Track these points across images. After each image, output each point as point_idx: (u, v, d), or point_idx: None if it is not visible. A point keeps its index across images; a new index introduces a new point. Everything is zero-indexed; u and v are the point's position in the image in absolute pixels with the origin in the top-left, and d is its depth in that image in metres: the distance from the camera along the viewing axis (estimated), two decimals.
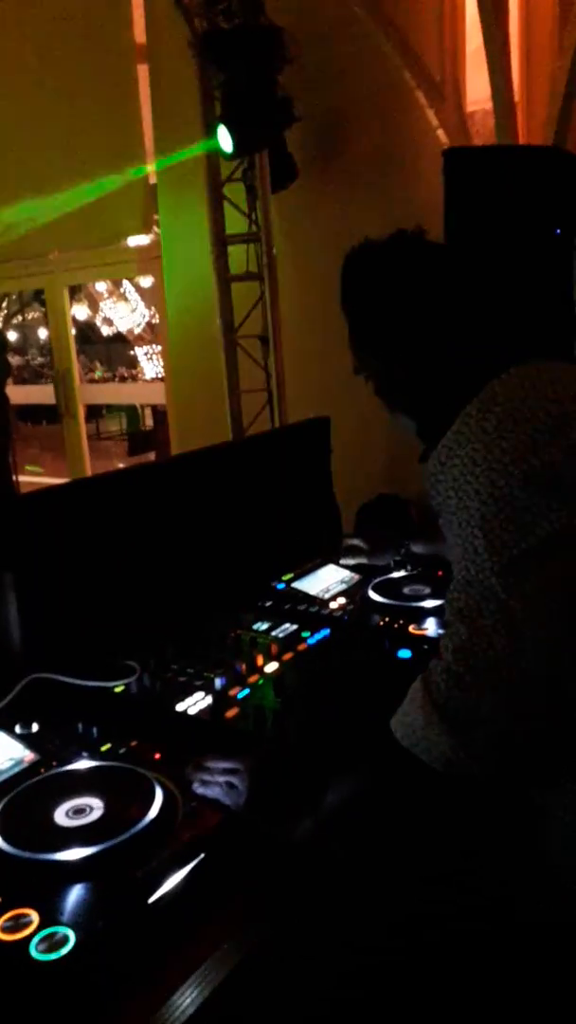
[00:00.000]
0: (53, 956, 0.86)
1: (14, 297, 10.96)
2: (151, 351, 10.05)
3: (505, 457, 0.95)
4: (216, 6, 3.64)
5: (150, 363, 10.15)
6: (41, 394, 8.53)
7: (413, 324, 1.16)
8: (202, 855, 1.00)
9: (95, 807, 1.08)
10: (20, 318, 12.43)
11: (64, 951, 0.86)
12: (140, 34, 4.70)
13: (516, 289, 2.29)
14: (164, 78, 4.59)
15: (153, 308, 9.42)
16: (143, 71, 4.73)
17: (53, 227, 5.20)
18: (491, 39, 3.56)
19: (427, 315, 1.16)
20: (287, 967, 1.00)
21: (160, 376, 9.14)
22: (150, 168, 4.79)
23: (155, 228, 5.12)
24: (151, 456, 9.21)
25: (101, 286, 9.74)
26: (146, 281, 8.84)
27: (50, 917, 0.92)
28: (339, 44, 3.99)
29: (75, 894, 0.95)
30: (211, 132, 3.75)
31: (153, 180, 4.92)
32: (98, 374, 10.34)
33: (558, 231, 2.57)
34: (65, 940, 0.88)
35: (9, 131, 5.20)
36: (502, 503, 0.94)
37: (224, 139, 3.57)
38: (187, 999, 0.90)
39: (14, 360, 12.68)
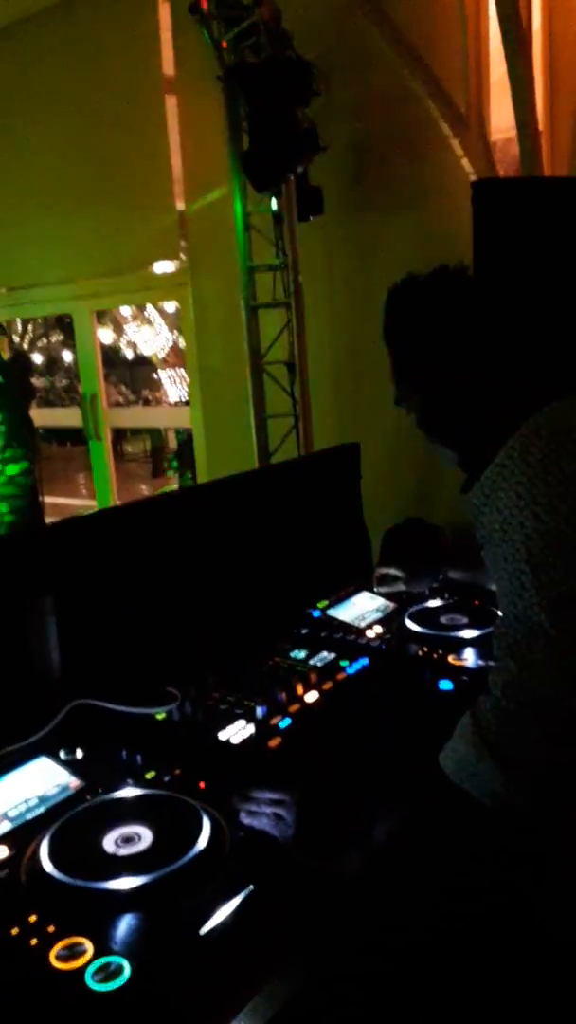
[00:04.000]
0: (110, 987, 0.87)
1: (39, 320, 11.14)
2: (174, 375, 10.16)
3: (551, 491, 0.97)
4: (245, 40, 3.73)
5: (174, 387, 10.26)
6: (66, 416, 8.65)
7: (456, 358, 1.18)
8: (251, 887, 1.01)
9: (143, 836, 1.09)
10: (45, 340, 12.63)
11: (120, 982, 0.87)
12: (169, 66, 4.81)
13: (550, 322, 2.32)
14: (193, 110, 4.69)
15: (177, 332, 9.53)
16: (171, 101, 4.84)
17: (80, 254, 5.30)
18: (515, 69, 3.60)
19: (470, 350, 1.18)
20: (337, 1000, 1.00)
21: (184, 400, 9.22)
22: (178, 197, 4.88)
23: (182, 255, 5.20)
24: (174, 478, 9.29)
25: (126, 310, 9.89)
26: (170, 305, 8.95)
27: (103, 946, 0.93)
28: (363, 77, 4.06)
29: (127, 924, 0.97)
30: (238, 165, 3.82)
31: (181, 206, 5.00)
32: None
33: None
34: (120, 970, 0.89)
35: (39, 159, 5.33)
36: (548, 538, 0.95)
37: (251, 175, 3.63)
38: None
39: (39, 383, 12.87)
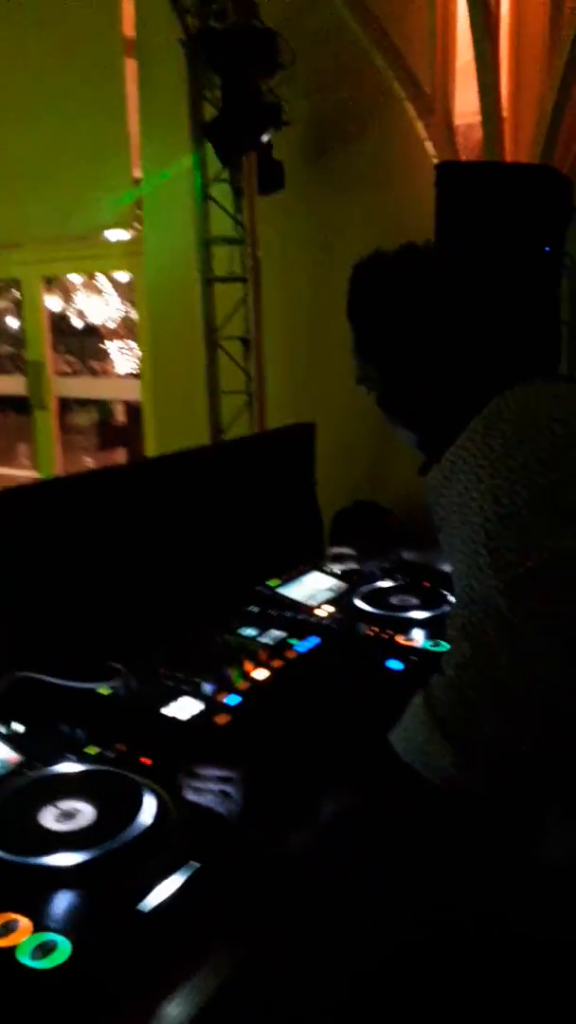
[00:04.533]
0: (46, 964, 0.84)
1: None
2: (125, 346, 9.95)
3: (512, 476, 0.96)
4: (210, 5, 3.63)
5: (123, 358, 10.05)
6: (9, 384, 8.41)
7: (420, 338, 1.16)
8: (195, 864, 0.99)
9: (84, 812, 1.07)
10: None
11: (58, 959, 0.85)
12: (129, 27, 4.67)
13: (510, 306, 2.32)
14: (153, 75, 4.57)
15: (128, 303, 9.33)
16: (131, 65, 4.70)
17: (31, 217, 5.13)
18: (481, 55, 3.60)
19: (434, 330, 1.16)
20: (280, 980, 0.99)
21: (134, 372, 9.06)
22: (135, 164, 4.76)
23: (137, 224, 5.08)
24: (122, 452, 9.13)
25: (76, 277, 9.62)
26: (122, 275, 8.75)
27: (41, 923, 0.90)
28: (329, 52, 4.01)
29: (66, 901, 0.94)
30: (198, 132, 3.74)
31: (138, 175, 4.88)
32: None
33: (547, 249, 2.60)
34: (56, 948, 0.87)
35: None
36: (507, 521, 0.95)
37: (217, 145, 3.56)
38: (178, 1010, 0.89)
39: None
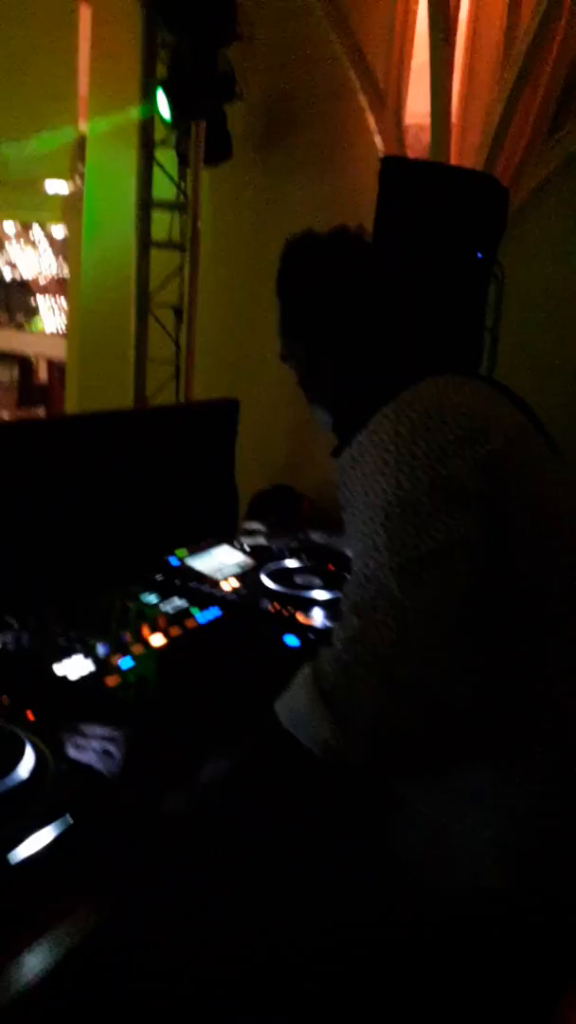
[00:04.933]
0: None
1: None
2: (55, 304, 9.68)
3: (415, 462, 0.99)
4: None
5: (52, 316, 9.76)
6: None
7: (344, 317, 1.19)
8: (68, 818, 0.99)
9: None
10: None
11: None
12: None
13: (438, 302, 2.38)
14: (107, 25, 4.43)
15: (62, 259, 9.06)
16: (85, 11, 4.55)
17: None
18: (437, 58, 3.65)
19: (359, 311, 1.19)
20: (142, 936, 1.00)
21: (60, 331, 8.81)
22: (81, 116, 4.61)
23: (78, 178, 4.93)
24: (41, 410, 8.88)
25: (9, 228, 9.29)
26: (58, 231, 8.49)
27: None
28: (290, 32, 3.98)
29: None
30: (149, 92, 3.65)
31: (84, 126, 4.73)
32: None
33: (480, 255, 2.67)
34: None
35: None
36: (407, 505, 0.98)
37: (163, 105, 3.48)
38: (38, 958, 0.89)
39: None
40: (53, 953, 0.90)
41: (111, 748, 1.07)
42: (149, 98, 3.70)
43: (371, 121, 4.06)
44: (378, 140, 4.09)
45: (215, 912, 1.05)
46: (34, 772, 1.04)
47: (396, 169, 2.58)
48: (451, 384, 1.10)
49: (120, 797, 1.04)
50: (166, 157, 3.91)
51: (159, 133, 3.85)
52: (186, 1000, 1.02)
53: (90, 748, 1.08)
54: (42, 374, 9.47)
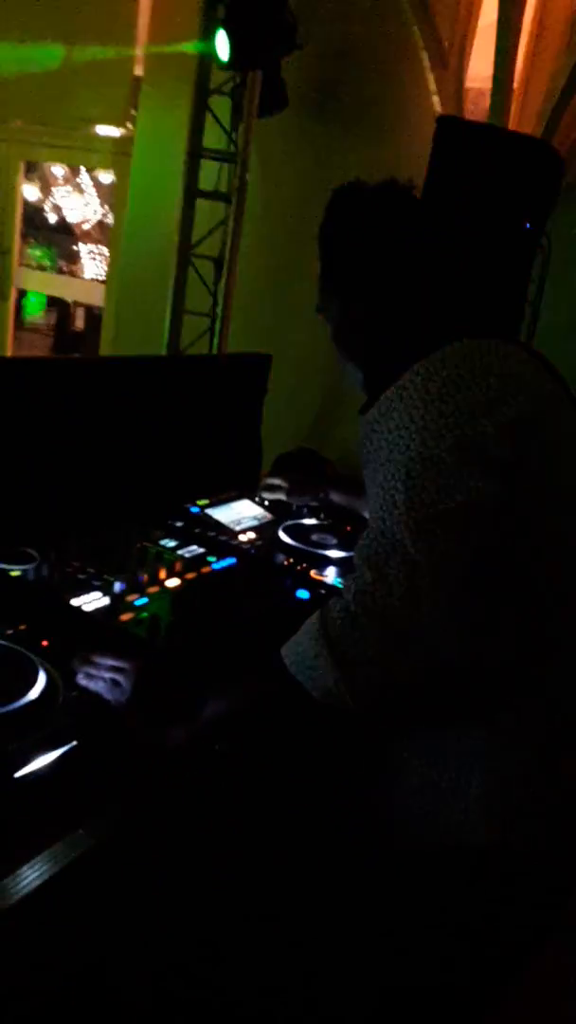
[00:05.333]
0: None
1: None
2: (96, 251, 9.64)
3: (441, 420, 0.99)
4: None
5: (92, 263, 9.73)
6: None
7: (384, 270, 1.17)
8: (74, 742, 1.02)
9: None
10: None
11: None
12: None
13: (482, 267, 2.33)
14: None
15: (107, 207, 9.00)
16: None
17: (19, 94, 4.87)
18: (504, 19, 3.54)
19: (400, 265, 1.17)
20: (136, 860, 1.04)
21: (100, 278, 8.78)
22: (138, 54, 4.53)
23: (129, 124, 4.88)
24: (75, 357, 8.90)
25: (58, 171, 9.22)
26: (106, 177, 8.41)
27: None
28: None
29: None
30: (209, 33, 3.58)
31: (139, 72, 4.67)
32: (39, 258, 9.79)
33: (528, 225, 2.61)
34: None
35: None
36: (429, 463, 0.97)
37: (222, 46, 3.42)
38: (35, 872, 0.92)
39: None
40: (50, 868, 0.93)
41: (119, 678, 1.10)
42: (207, 42, 3.63)
43: (431, 81, 3.97)
44: (436, 101, 3.99)
45: (206, 842, 1.08)
46: (44, 695, 1.07)
47: (452, 130, 2.52)
48: (487, 347, 1.09)
49: (124, 727, 1.07)
50: (219, 106, 3.85)
51: (215, 81, 3.79)
52: (175, 922, 1.05)
53: (99, 677, 1.10)
54: (79, 321, 9.48)
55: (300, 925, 1.12)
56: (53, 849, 0.95)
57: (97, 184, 9.29)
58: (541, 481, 1.02)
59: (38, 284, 8.10)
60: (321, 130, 4.10)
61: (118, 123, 4.93)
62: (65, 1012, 1.00)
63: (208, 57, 3.63)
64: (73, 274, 9.88)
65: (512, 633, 1.03)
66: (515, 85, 3.75)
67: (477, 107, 4.09)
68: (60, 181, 9.46)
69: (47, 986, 0.98)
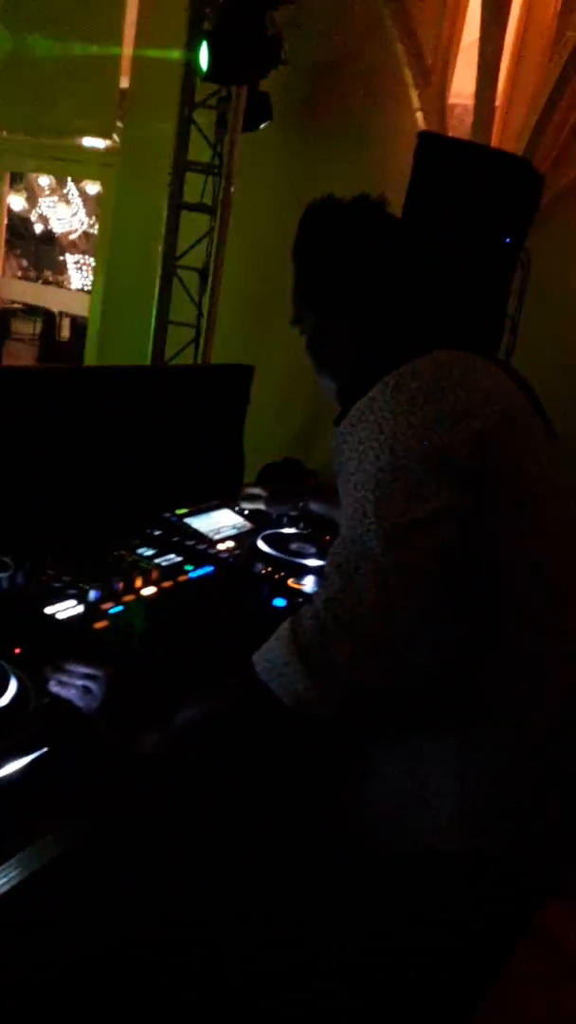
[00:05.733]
0: None
1: None
2: (82, 261, 9.64)
3: (410, 431, 1.00)
4: None
5: (79, 273, 9.74)
6: None
7: (357, 285, 1.19)
8: (45, 749, 1.02)
9: None
10: None
11: None
12: None
13: (460, 281, 2.36)
14: None
15: (94, 217, 9.02)
16: None
17: (4, 104, 4.88)
18: (487, 38, 3.59)
19: (372, 280, 1.19)
20: (104, 867, 1.04)
21: (86, 288, 8.80)
22: (124, 66, 4.56)
23: (116, 135, 4.90)
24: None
25: (44, 181, 9.24)
26: (92, 188, 8.44)
27: None
28: None
29: None
30: (193, 46, 3.61)
31: (125, 84, 4.70)
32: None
33: (507, 240, 2.65)
34: None
35: None
36: (397, 473, 0.99)
37: (205, 59, 3.45)
38: (3, 879, 0.92)
39: None
40: (19, 874, 0.93)
41: (91, 686, 1.10)
42: (193, 56, 3.67)
43: (415, 98, 4.02)
44: (420, 117, 4.04)
45: (180, 848, 1.08)
46: (15, 702, 1.07)
47: (432, 146, 2.55)
48: (456, 359, 1.10)
49: (96, 734, 1.07)
50: (204, 118, 3.89)
51: (200, 94, 3.82)
52: (148, 927, 1.05)
53: (71, 684, 1.11)
54: (65, 331, 9.47)
55: (274, 928, 1.12)
56: (22, 854, 0.95)
57: (83, 195, 9.32)
58: (509, 492, 1.03)
59: (22, 294, 8.09)
60: (305, 144, 4.14)
61: (104, 135, 4.96)
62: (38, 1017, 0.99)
63: (193, 70, 3.67)
64: (59, 284, 9.89)
65: (483, 641, 1.05)
66: (498, 102, 3.81)
67: (462, 123, 4.15)
68: (46, 192, 9.48)
69: (19, 991, 0.97)
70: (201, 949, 1.14)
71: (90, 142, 5.11)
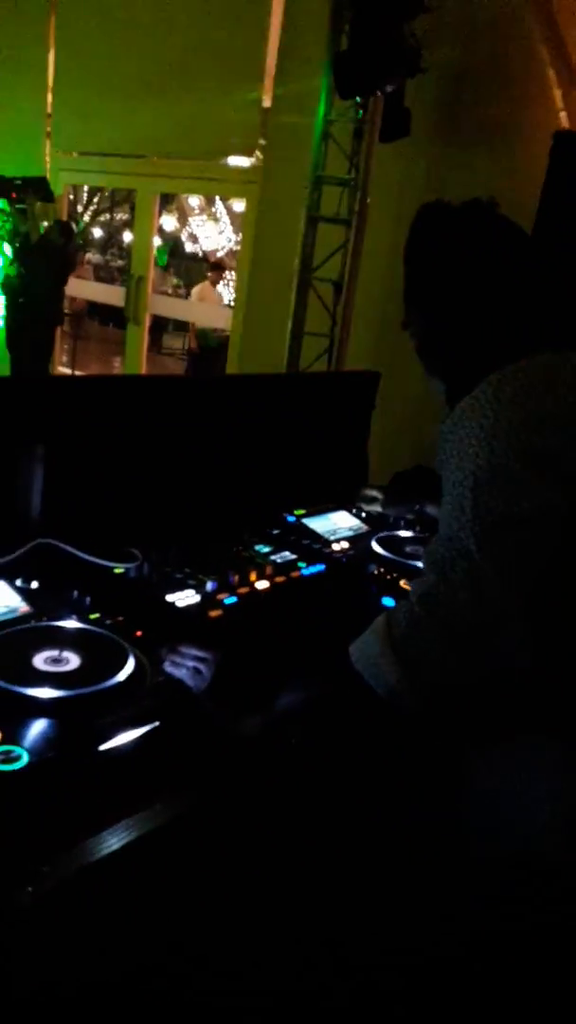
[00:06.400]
0: (6, 768, 0.97)
1: (107, 194, 10.94)
2: (229, 277, 10.03)
3: (511, 429, 1.00)
4: None
5: (226, 288, 10.13)
6: (109, 294, 8.62)
7: (463, 287, 1.20)
8: (157, 723, 1.11)
9: (72, 660, 1.19)
10: (108, 216, 12.43)
11: (15, 765, 0.97)
12: None
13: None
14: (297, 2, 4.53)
15: (241, 234, 9.36)
16: None
17: (155, 130, 5.19)
18: None
19: (481, 283, 1.19)
20: (208, 839, 1.10)
21: (232, 303, 9.11)
22: (267, 92, 4.74)
23: (258, 152, 5.09)
24: None
25: (194, 201, 9.70)
26: (239, 205, 8.77)
27: (11, 738, 1.03)
28: (481, 3, 3.89)
29: (38, 727, 1.06)
30: (330, 67, 3.71)
31: (267, 104, 4.87)
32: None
33: None
34: (19, 758, 0.99)
35: (130, 25, 5.17)
36: (497, 471, 0.99)
37: (341, 76, 3.53)
38: (115, 837, 1.01)
39: (95, 258, 12.70)
40: (129, 835, 1.02)
41: (202, 667, 1.17)
42: (331, 73, 3.76)
43: (558, 98, 3.91)
44: (564, 117, 3.93)
45: (274, 831, 1.13)
46: (132, 679, 1.16)
47: (568, 145, 2.49)
48: (564, 360, 1.09)
49: (203, 712, 1.14)
50: (341, 131, 3.97)
51: (338, 109, 3.91)
52: (242, 905, 1.11)
53: (184, 665, 1.19)
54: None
55: (376, 934, 1.15)
56: (134, 817, 1.03)
57: (231, 213, 9.71)
58: None
59: (169, 309, 8.50)
60: (444, 153, 4.12)
61: (248, 153, 5.16)
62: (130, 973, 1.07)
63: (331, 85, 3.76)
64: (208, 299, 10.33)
65: None
66: None
67: None
68: (196, 211, 9.94)
69: (123, 939, 1.05)
70: (303, 943, 1.18)
71: (235, 161, 5.34)
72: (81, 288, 8.06)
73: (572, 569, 1.00)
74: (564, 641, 1.02)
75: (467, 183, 3.91)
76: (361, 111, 3.83)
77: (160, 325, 10.35)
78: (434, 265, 1.23)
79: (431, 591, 1.01)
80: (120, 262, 12.26)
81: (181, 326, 10.46)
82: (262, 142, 4.99)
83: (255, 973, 1.12)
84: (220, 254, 10.20)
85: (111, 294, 8.23)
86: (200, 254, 10.46)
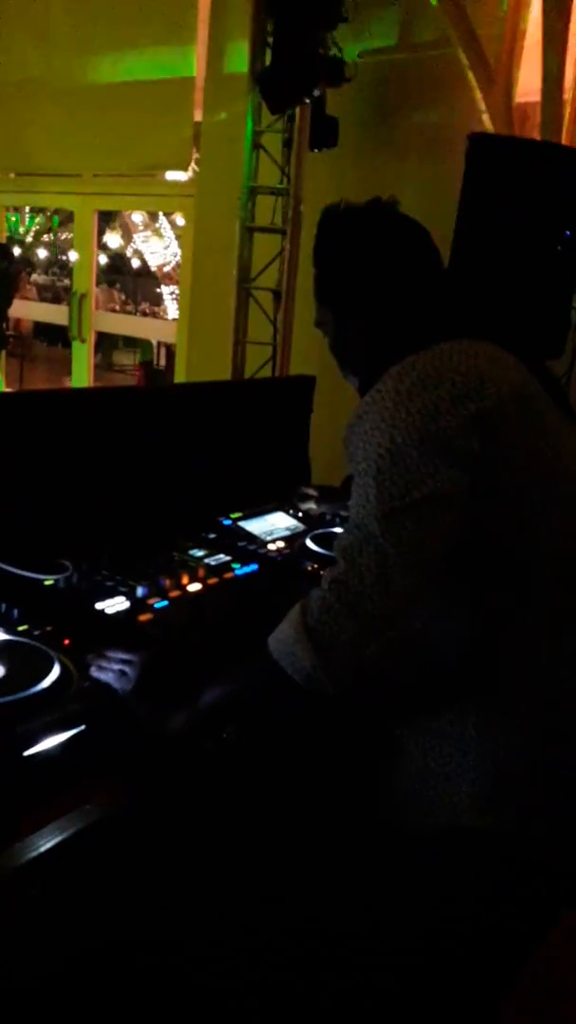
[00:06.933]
0: None
1: (50, 213, 10.90)
2: (176, 291, 10.07)
3: (409, 418, 1.04)
4: None
5: (174, 303, 10.16)
6: (52, 313, 8.58)
7: (366, 283, 1.24)
8: (82, 727, 1.11)
9: None
10: (50, 236, 12.39)
11: None
12: None
13: (504, 277, 2.35)
14: (224, 18, 4.58)
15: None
16: (204, 4, 4.70)
17: (91, 148, 5.19)
18: (550, 33, 3.56)
19: (379, 278, 1.23)
20: (134, 837, 1.11)
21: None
22: (197, 106, 4.78)
23: (194, 166, 5.13)
24: None
25: (137, 218, 9.71)
26: (181, 220, 8.81)
27: None
28: (397, 10, 3.99)
29: None
30: (258, 81, 3.76)
31: (199, 118, 4.92)
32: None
33: (568, 233, 2.62)
34: None
35: (60, 45, 5.18)
36: (397, 458, 1.03)
37: (266, 85, 3.58)
38: (43, 839, 1.02)
39: (40, 278, 12.63)
40: (56, 837, 1.02)
41: (127, 669, 1.18)
42: (256, 86, 3.81)
43: (480, 100, 4.01)
44: (487, 119, 4.03)
45: (207, 825, 1.14)
46: (57, 685, 1.17)
47: (481, 147, 2.57)
48: (458, 348, 1.13)
49: (129, 714, 1.15)
50: (273, 142, 4.02)
51: (267, 119, 3.96)
52: (176, 901, 1.12)
53: (109, 669, 1.20)
54: (162, 359, 9.88)
55: (302, 907, 1.16)
56: (59, 821, 1.04)
57: (175, 226, 9.74)
58: (510, 472, 1.05)
59: (114, 326, 8.48)
60: (373, 158, 4.20)
61: (183, 167, 5.19)
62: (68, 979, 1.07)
63: (259, 95, 3.81)
64: (155, 315, 10.33)
65: (491, 618, 1.06)
66: (566, 96, 3.75)
67: (533, 121, 4.10)
68: (140, 227, 9.95)
69: (57, 947, 1.06)
70: (223, 930, 1.19)
71: (172, 176, 5.37)
72: (27, 309, 8.01)
73: (477, 547, 1.04)
74: (472, 618, 1.06)
75: (397, 188, 3.99)
76: (289, 121, 3.88)
77: (111, 342, 10.35)
78: (337, 262, 1.27)
79: (340, 577, 1.03)
80: (66, 281, 12.22)
81: (131, 342, 10.46)
82: (197, 156, 5.03)
83: (189, 971, 1.13)
84: (167, 269, 10.23)
85: (57, 314, 8.19)
86: (152, 269, 10.50)
